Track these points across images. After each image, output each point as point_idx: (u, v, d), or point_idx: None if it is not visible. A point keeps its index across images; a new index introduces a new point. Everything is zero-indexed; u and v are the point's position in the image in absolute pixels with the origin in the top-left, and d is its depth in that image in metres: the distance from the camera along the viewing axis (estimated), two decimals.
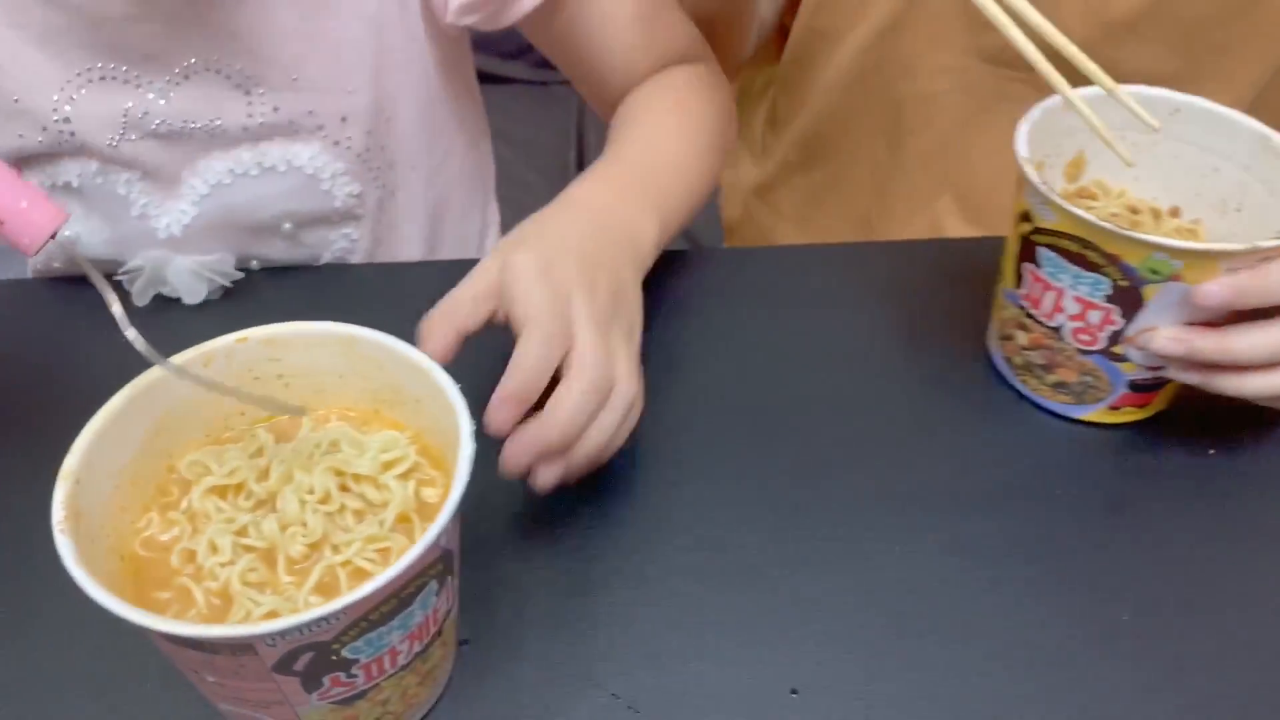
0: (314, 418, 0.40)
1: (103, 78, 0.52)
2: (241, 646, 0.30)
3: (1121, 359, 0.45)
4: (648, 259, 0.49)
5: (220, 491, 0.38)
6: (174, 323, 0.56)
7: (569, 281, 0.41)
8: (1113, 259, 0.42)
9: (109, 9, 0.50)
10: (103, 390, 0.36)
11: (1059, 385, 0.48)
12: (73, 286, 0.58)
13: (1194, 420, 0.48)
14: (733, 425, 0.49)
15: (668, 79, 0.59)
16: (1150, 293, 0.42)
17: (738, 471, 0.47)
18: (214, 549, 0.35)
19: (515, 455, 0.39)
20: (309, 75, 0.54)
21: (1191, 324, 0.43)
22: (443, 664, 0.39)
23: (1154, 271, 0.41)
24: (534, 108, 1.08)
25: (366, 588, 0.30)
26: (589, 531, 0.45)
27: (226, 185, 0.56)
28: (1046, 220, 0.44)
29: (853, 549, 0.44)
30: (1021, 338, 0.48)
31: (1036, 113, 0.47)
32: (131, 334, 0.34)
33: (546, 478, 0.40)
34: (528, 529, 0.45)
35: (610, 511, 0.45)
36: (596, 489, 0.45)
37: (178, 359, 0.37)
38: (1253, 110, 0.48)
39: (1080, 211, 0.42)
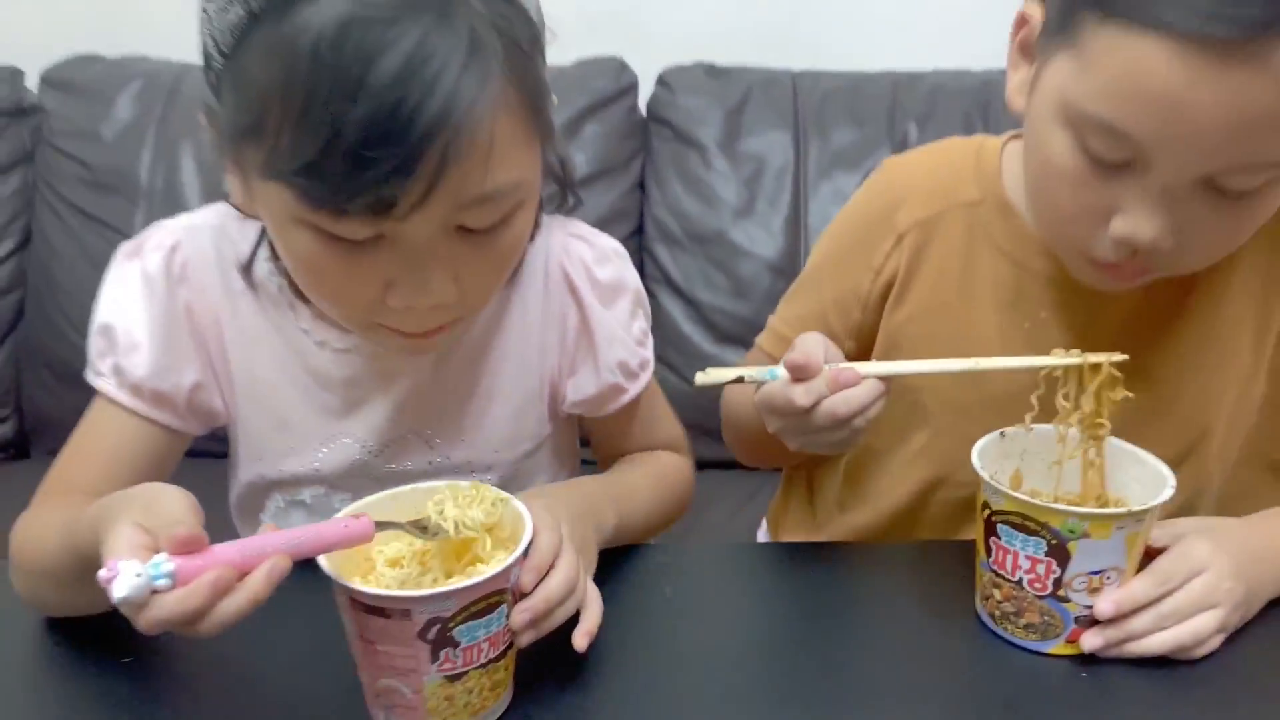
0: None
1: (345, 438, 0.77)
2: (403, 611, 0.54)
3: (1065, 600, 0.65)
4: (606, 533, 0.74)
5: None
6: None
7: (561, 519, 0.64)
8: (1044, 525, 0.64)
9: (370, 399, 0.76)
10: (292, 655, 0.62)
11: (1029, 626, 0.67)
12: None
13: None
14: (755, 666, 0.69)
15: (651, 456, 0.89)
16: (1073, 547, 0.63)
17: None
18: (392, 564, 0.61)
19: (522, 614, 0.59)
20: (474, 439, 0.80)
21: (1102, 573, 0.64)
22: (503, 686, 0.61)
23: (1071, 531, 0.63)
24: None
25: (471, 579, 0.55)
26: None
27: None
28: (998, 505, 0.66)
29: None
30: (997, 594, 0.68)
31: (981, 444, 0.70)
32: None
33: (528, 637, 0.60)
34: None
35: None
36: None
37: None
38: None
39: (1017, 494, 0.64)
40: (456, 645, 0.56)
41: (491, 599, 0.57)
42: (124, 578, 0.50)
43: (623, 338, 0.81)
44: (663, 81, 1.60)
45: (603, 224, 0.90)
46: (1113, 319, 0.80)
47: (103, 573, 0.51)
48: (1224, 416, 0.83)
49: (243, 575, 0.52)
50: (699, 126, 1.55)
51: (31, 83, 1.63)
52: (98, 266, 1.47)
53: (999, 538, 0.67)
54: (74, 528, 0.60)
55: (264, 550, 0.52)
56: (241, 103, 0.59)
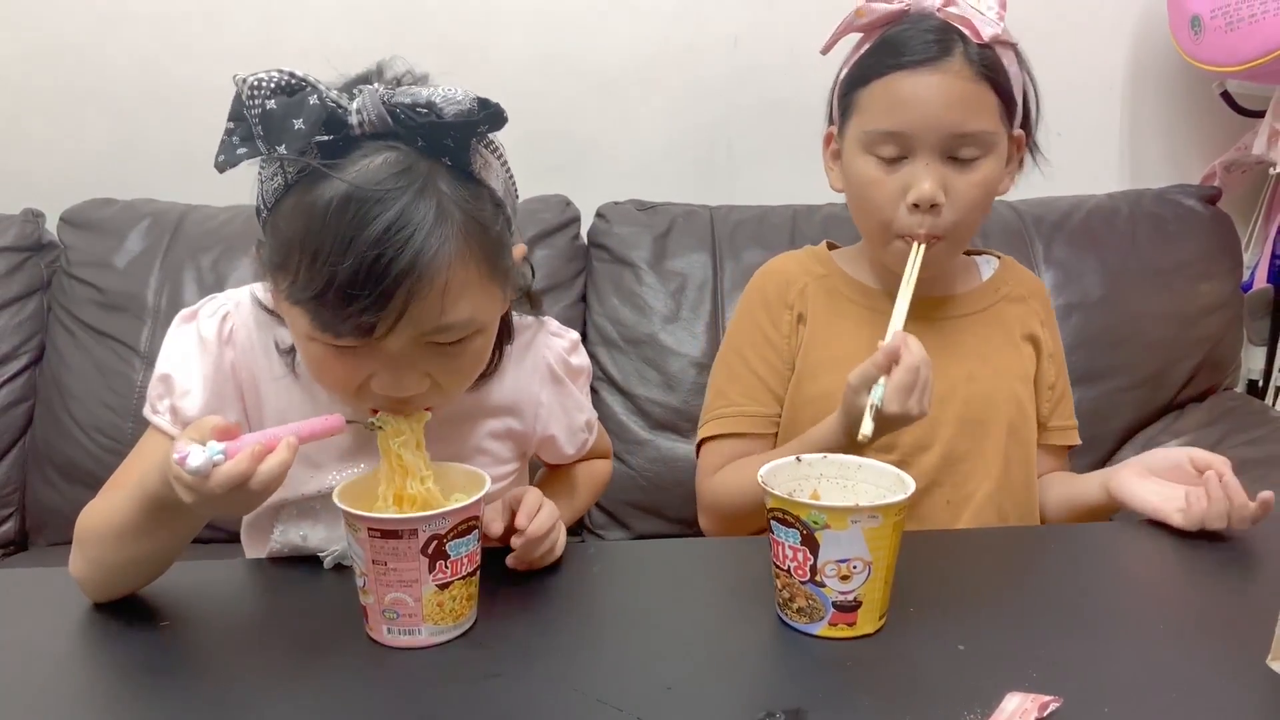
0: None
1: (355, 468, 0.95)
2: (411, 530, 0.76)
3: (822, 585, 0.81)
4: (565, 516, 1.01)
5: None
6: None
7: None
8: (795, 518, 0.80)
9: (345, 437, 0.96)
10: (302, 618, 0.80)
11: (800, 610, 0.82)
12: (288, 564, 0.98)
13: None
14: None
15: (588, 463, 1.19)
16: (820, 536, 0.79)
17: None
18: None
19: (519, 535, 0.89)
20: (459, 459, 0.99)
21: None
22: (474, 600, 0.83)
23: (815, 522, 0.79)
24: None
25: (459, 504, 0.78)
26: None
27: None
28: (769, 504, 0.82)
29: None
30: (779, 584, 0.84)
31: (773, 465, 0.87)
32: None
33: (513, 560, 0.90)
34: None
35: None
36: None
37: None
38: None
39: (773, 489, 0.81)
40: (447, 558, 0.78)
41: (471, 522, 0.80)
42: (194, 455, 0.71)
43: (584, 404, 1.11)
44: (600, 215, 1.85)
45: None
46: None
47: (175, 455, 0.72)
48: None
49: (267, 452, 0.74)
50: (632, 250, 1.80)
51: (50, 224, 1.88)
52: (105, 374, 1.73)
53: (773, 532, 0.83)
54: (142, 480, 0.81)
55: (277, 435, 0.76)
56: (276, 245, 0.81)
